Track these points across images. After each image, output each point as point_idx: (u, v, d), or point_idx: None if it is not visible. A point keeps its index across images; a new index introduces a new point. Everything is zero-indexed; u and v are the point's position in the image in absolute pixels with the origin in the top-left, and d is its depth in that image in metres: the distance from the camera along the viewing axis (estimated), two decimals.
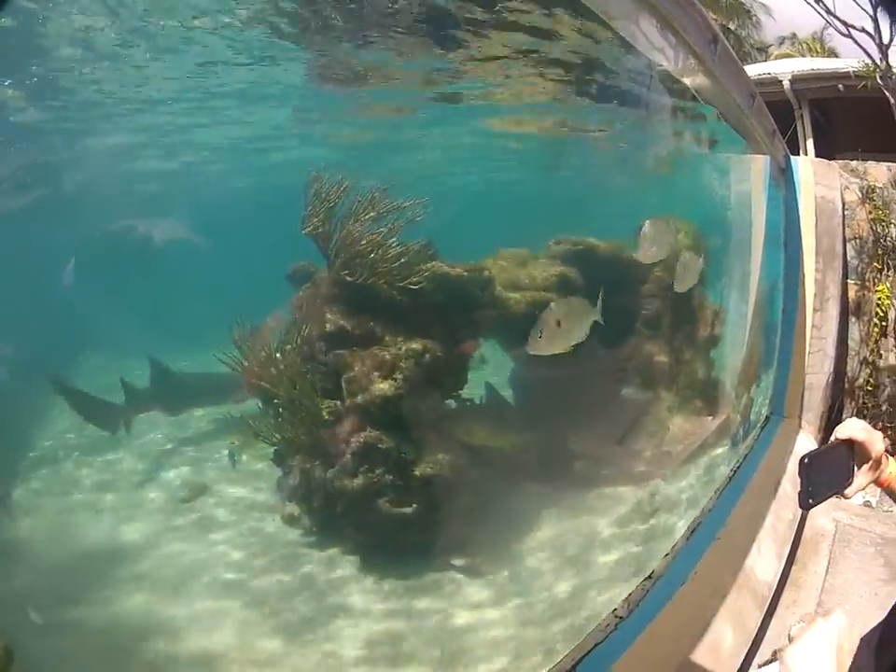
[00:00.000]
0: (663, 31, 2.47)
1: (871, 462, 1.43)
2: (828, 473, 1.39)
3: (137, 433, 5.31)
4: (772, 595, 3.34)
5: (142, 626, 3.47)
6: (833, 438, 1.45)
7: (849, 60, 7.11)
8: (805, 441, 5.10)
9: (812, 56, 10.62)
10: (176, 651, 3.31)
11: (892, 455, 1.49)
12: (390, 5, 3.69)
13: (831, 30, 7.24)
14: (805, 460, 1.35)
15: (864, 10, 6.33)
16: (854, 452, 1.42)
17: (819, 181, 5.48)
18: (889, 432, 6.39)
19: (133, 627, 3.47)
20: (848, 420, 1.47)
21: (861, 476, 1.43)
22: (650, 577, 2.97)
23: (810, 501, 1.35)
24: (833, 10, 6.50)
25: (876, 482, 1.45)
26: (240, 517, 4.40)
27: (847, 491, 1.43)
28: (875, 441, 1.43)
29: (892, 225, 6.42)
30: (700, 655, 2.56)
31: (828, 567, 4.22)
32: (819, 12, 6.57)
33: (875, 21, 6.23)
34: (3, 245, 5.59)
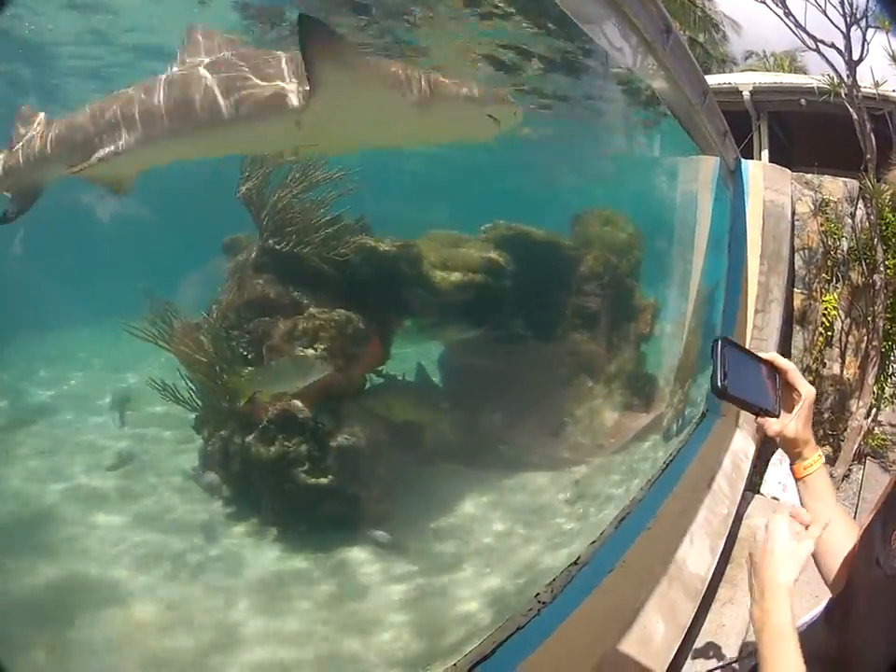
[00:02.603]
0: (614, 16, 2.39)
1: (801, 408, 1.20)
2: (747, 377, 1.15)
3: (63, 403, 5.26)
4: (705, 589, 3.26)
5: (59, 594, 3.39)
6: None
7: (816, 76, 7.24)
8: (742, 440, 5.12)
9: (778, 72, 10.80)
10: (94, 618, 3.24)
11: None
12: None
13: (803, 48, 7.29)
14: (720, 342, 1.12)
15: (836, 26, 6.39)
16: (777, 383, 1.20)
17: (770, 185, 5.54)
18: (832, 440, 6.47)
19: (51, 594, 3.40)
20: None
21: (790, 418, 1.20)
22: (575, 563, 2.90)
23: (725, 384, 1.10)
24: (803, 25, 6.56)
25: (801, 448, 1.22)
26: (162, 485, 4.36)
27: (771, 424, 1.20)
28: (807, 385, 1.21)
29: (844, 238, 6.53)
30: (629, 645, 2.49)
31: None
32: (787, 24, 6.64)
33: (847, 37, 6.30)
34: None
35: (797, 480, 1.26)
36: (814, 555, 1.24)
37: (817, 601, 1.31)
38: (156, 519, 4.09)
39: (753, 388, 1.17)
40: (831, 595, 1.22)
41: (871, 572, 1.01)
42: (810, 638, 1.23)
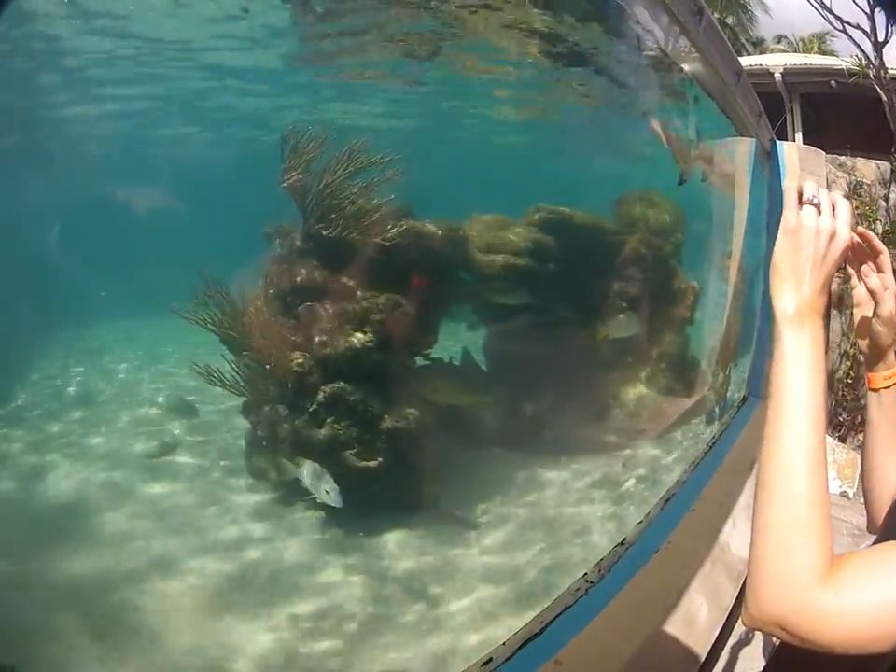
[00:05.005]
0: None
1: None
2: None
3: (105, 390, 5.32)
4: (746, 572, 3.27)
5: (104, 580, 3.43)
6: None
7: (846, 58, 7.18)
8: None
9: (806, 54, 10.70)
10: (139, 605, 3.27)
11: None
12: None
13: (832, 32, 7.22)
14: None
15: (861, 9, 6.34)
16: None
17: (805, 167, 5.47)
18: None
19: (96, 581, 3.44)
20: None
21: (891, 294, 1.03)
22: (622, 543, 2.93)
23: None
24: (829, 6, 6.51)
25: (887, 347, 1.05)
26: (209, 470, 4.41)
27: (873, 277, 1.04)
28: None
29: (878, 221, 6.46)
30: (673, 626, 2.48)
31: None
32: (814, 6, 6.58)
33: (872, 19, 6.24)
34: None
35: (872, 390, 1.08)
36: (864, 491, 1.11)
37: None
38: (202, 506, 4.14)
39: None
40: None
41: None
42: None
